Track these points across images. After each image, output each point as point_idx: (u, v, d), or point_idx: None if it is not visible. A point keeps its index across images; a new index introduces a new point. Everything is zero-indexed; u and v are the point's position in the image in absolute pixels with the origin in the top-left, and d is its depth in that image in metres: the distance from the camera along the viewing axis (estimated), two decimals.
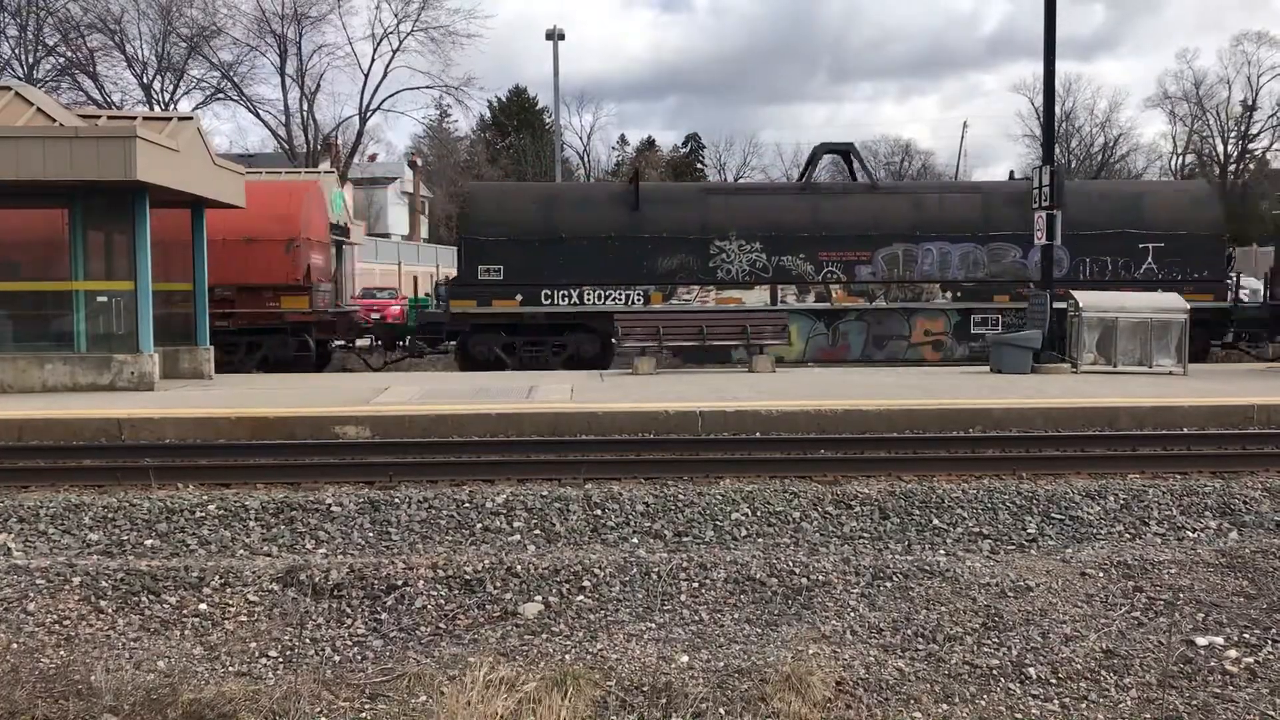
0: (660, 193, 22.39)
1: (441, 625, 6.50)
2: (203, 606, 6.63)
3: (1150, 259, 20.18)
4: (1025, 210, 20.10)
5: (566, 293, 19.76)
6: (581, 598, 6.75)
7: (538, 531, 8.01)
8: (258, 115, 47.12)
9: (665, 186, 25.62)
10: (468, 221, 20.37)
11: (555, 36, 38.04)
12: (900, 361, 20.03)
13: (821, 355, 20.24)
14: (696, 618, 6.57)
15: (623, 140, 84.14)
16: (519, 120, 72.68)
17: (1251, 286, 24.24)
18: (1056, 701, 5.68)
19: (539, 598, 6.74)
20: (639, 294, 19.84)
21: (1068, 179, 21.36)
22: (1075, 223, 19.89)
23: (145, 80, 43.81)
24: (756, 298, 20.16)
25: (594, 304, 19.79)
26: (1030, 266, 19.90)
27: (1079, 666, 5.96)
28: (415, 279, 43.81)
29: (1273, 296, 21.33)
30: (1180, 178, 54.50)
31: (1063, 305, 17.11)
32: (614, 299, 19.80)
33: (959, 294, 20.32)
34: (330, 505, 8.30)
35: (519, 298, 19.65)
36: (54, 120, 14.39)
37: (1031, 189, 17.86)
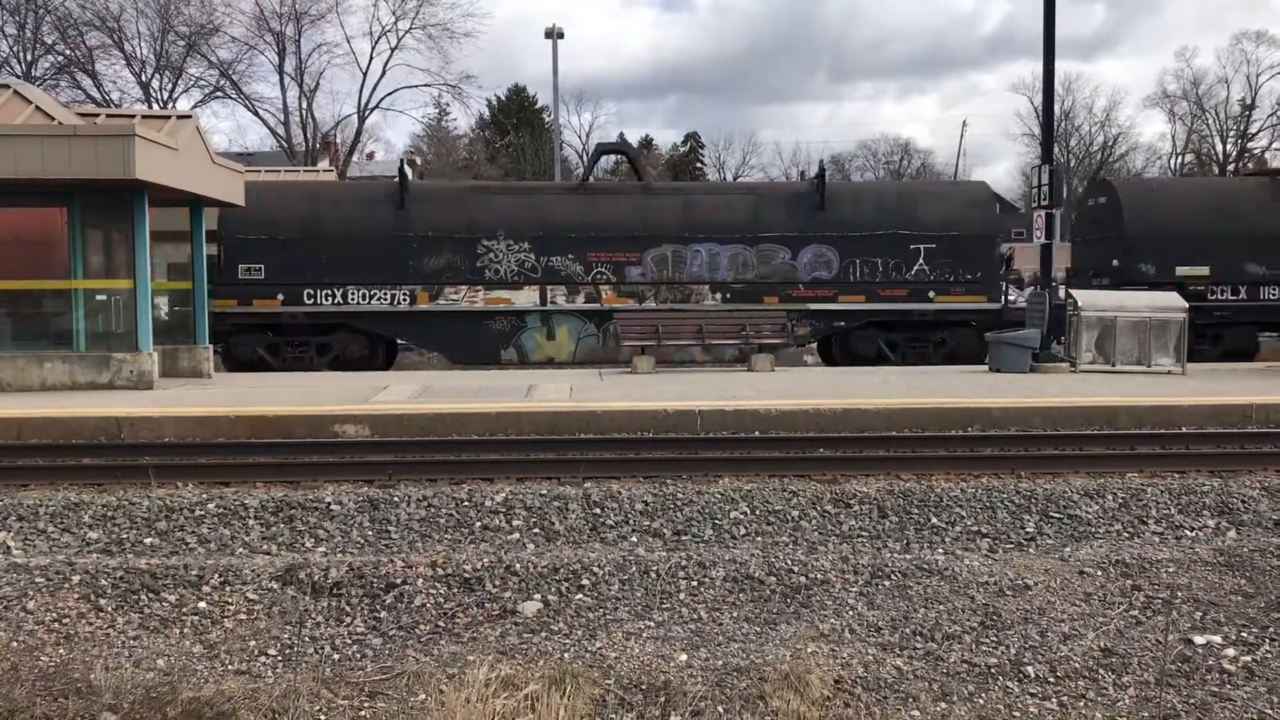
0: (426, 191, 22.04)
1: (441, 624, 6.50)
2: (202, 605, 6.64)
3: (922, 260, 20.00)
4: (795, 212, 20.20)
5: (330, 292, 19.37)
6: (581, 596, 6.75)
7: (537, 530, 8.02)
8: (256, 114, 47.18)
9: (432, 185, 25.10)
10: (226, 219, 19.47)
11: (554, 35, 38.03)
12: (669, 363, 19.74)
13: (592, 357, 20.06)
14: (695, 616, 6.58)
15: (622, 139, 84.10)
16: (518, 119, 72.61)
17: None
18: (1055, 700, 5.69)
19: (538, 596, 6.75)
20: (404, 294, 19.51)
21: (832, 181, 21.06)
22: (844, 224, 19.93)
23: (144, 78, 43.82)
24: (526, 298, 19.94)
25: (358, 304, 19.45)
26: (800, 268, 19.92)
27: (1077, 665, 5.97)
28: None
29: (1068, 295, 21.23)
30: (1180, 177, 54.47)
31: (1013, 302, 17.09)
32: (379, 299, 19.48)
33: (729, 295, 20.08)
34: (329, 504, 8.31)
35: (280, 297, 19.29)
36: (53, 119, 14.39)
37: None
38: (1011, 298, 21.21)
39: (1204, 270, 20.24)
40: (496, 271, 19.91)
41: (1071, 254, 24.22)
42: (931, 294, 19.95)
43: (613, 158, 47.23)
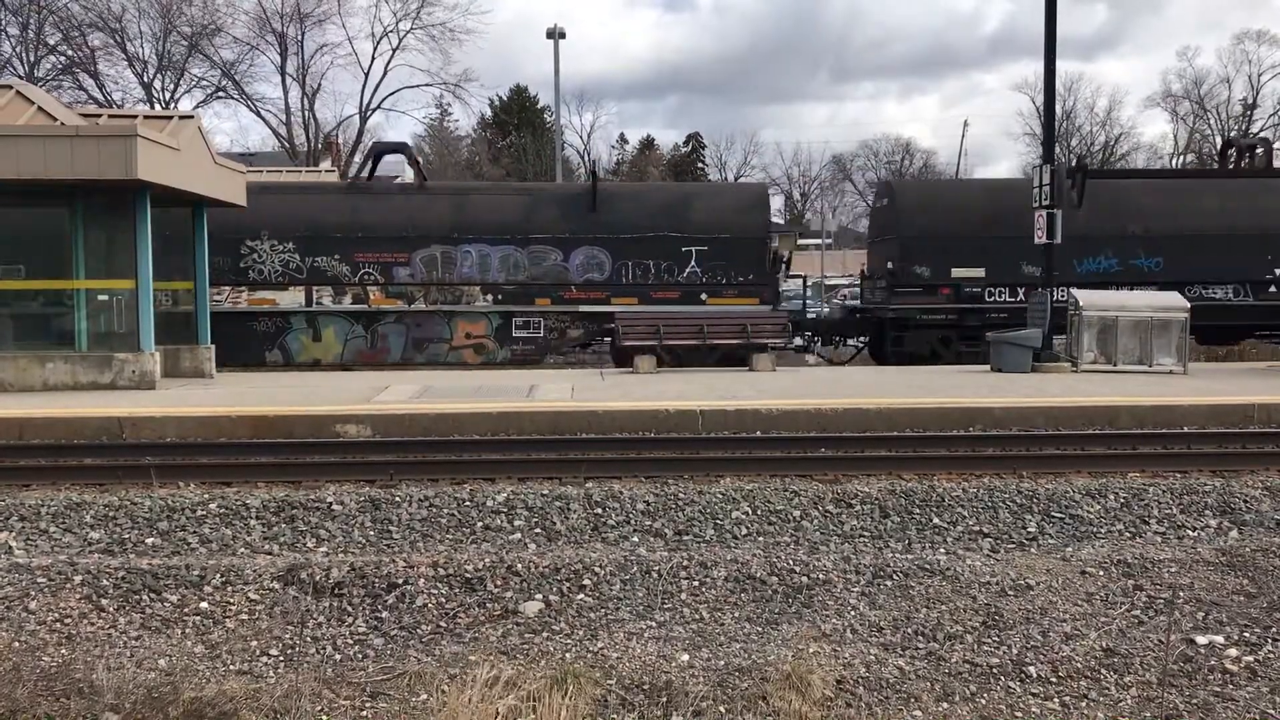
0: None
1: (442, 624, 6.50)
2: (204, 605, 6.64)
3: (694, 262, 19.99)
4: (568, 213, 20.11)
5: None
6: (582, 596, 6.75)
7: (538, 530, 8.02)
8: (259, 114, 47.22)
9: None
10: None
11: (556, 35, 38.04)
12: (442, 365, 19.83)
13: (361, 358, 20.01)
14: (697, 616, 6.57)
15: (622, 139, 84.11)
16: (520, 119, 72.62)
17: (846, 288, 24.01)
18: (1057, 700, 5.68)
19: (540, 596, 6.74)
20: (165, 295, 19.03)
21: (605, 182, 20.99)
22: (617, 225, 19.90)
23: (146, 79, 43.86)
24: (291, 299, 19.88)
25: None
26: (572, 270, 19.87)
27: (1079, 665, 5.96)
28: None
29: (863, 299, 21.13)
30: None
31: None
32: None
33: (499, 297, 20.07)
34: (331, 504, 8.31)
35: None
36: (55, 119, 14.40)
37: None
38: (790, 301, 21.24)
39: (979, 272, 20.15)
40: (260, 272, 19.85)
41: (867, 257, 24.18)
42: (704, 296, 19.92)
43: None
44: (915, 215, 20.89)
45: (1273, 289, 20.49)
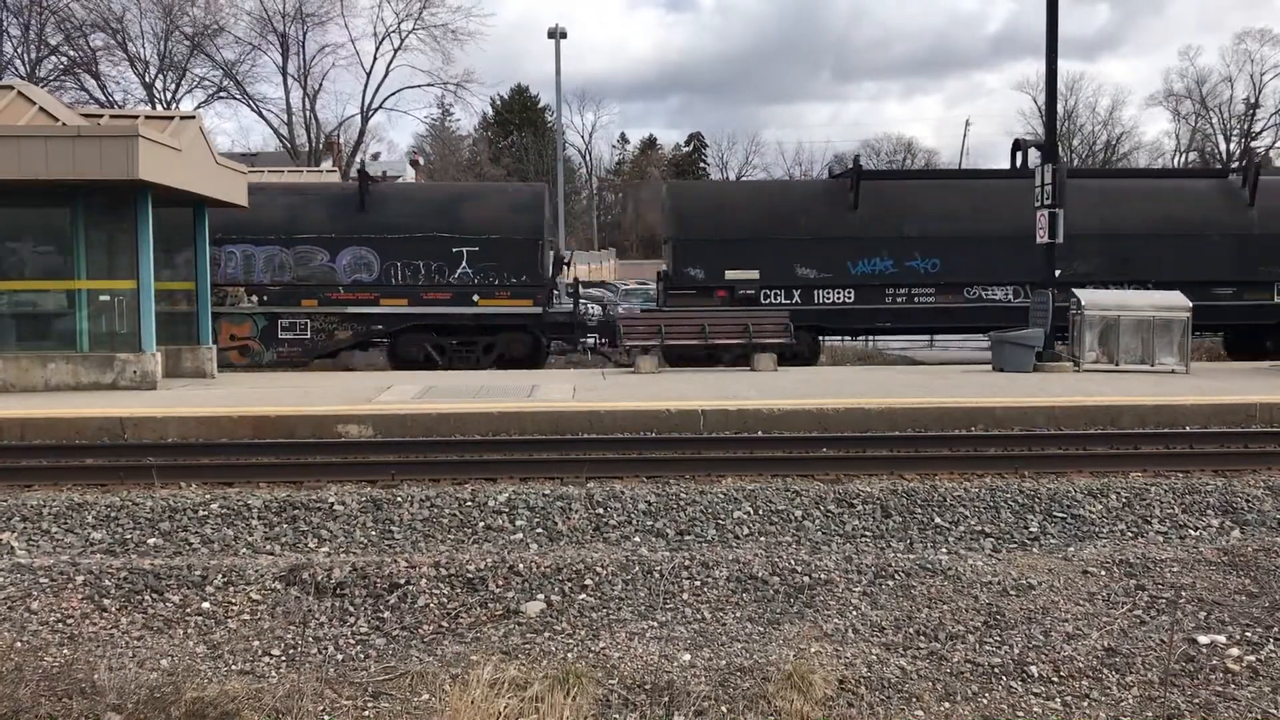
0: None
1: (444, 624, 6.50)
2: (206, 605, 6.64)
3: (465, 263, 19.71)
4: (335, 213, 19.79)
5: None
6: (584, 596, 6.75)
7: (540, 530, 8.02)
8: (260, 114, 47.22)
9: None
10: None
11: (557, 35, 38.04)
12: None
13: None
14: (699, 616, 6.57)
15: (624, 139, 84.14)
16: (521, 119, 72.68)
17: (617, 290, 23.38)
18: (1059, 700, 5.68)
19: (541, 596, 6.74)
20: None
21: (375, 184, 20.62)
22: (385, 226, 19.64)
23: (148, 79, 43.88)
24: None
25: None
26: (339, 270, 19.64)
27: (1081, 665, 5.96)
28: None
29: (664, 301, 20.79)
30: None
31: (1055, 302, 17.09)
32: None
33: (265, 298, 19.72)
34: (333, 504, 8.32)
35: None
36: (57, 119, 14.40)
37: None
38: (573, 303, 20.85)
39: (754, 274, 19.92)
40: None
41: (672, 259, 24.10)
42: (476, 297, 19.68)
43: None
44: (691, 218, 20.69)
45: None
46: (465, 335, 19.73)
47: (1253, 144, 56.66)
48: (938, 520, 8.25)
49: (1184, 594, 6.79)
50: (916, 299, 20.19)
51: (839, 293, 20.05)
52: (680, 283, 20.07)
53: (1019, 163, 20.17)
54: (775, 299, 20.06)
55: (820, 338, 20.90)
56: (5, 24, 40.46)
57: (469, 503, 8.35)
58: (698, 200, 22.33)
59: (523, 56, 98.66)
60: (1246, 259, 20.01)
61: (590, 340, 21.87)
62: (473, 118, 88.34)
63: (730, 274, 19.94)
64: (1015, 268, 19.74)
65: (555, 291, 20.92)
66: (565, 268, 21.61)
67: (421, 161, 64.58)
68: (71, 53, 41.98)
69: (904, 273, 20.12)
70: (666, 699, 5.56)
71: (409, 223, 19.82)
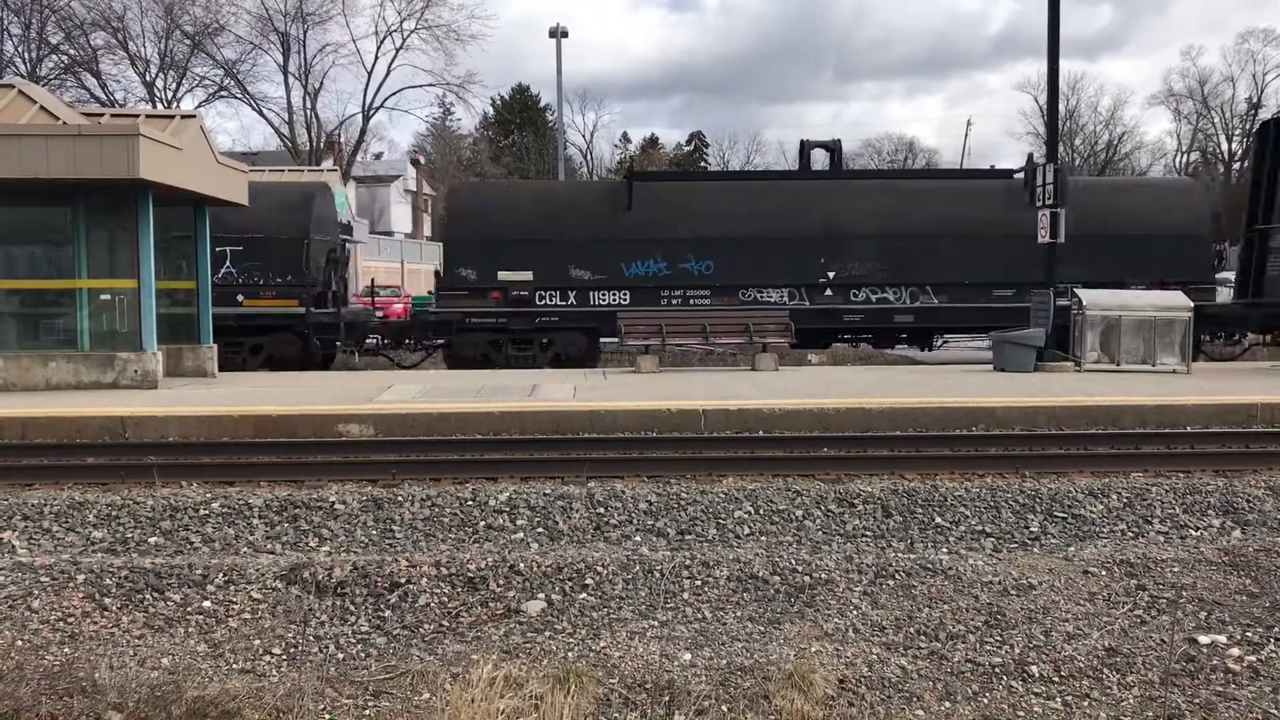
0: None
1: (445, 623, 6.50)
2: (206, 604, 6.64)
3: (229, 263, 19.48)
4: None
5: None
6: (584, 596, 6.75)
7: (541, 529, 8.02)
8: (261, 113, 47.28)
9: None
10: None
11: (559, 34, 38.03)
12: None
13: None
14: (699, 615, 6.57)
15: (625, 138, 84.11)
16: (522, 118, 72.68)
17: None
18: (1059, 699, 5.68)
19: (542, 596, 6.74)
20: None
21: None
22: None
23: (148, 78, 43.94)
24: None
25: None
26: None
27: (1081, 664, 5.96)
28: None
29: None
30: (1185, 175, 54.24)
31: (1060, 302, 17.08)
32: None
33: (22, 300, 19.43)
34: (334, 503, 8.32)
35: None
36: (57, 118, 14.41)
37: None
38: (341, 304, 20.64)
39: (528, 275, 19.84)
40: None
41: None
42: (240, 298, 19.48)
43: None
44: (463, 217, 20.57)
45: (828, 291, 19.99)
46: (230, 336, 19.18)
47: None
48: (938, 520, 8.25)
49: (1185, 594, 6.79)
50: (692, 301, 20.07)
51: (614, 294, 19.91)
52: (452, 283, 19.94)
53: (807, 163, 20.07)
54: (550, 300, 20.00)
55: (601, 340, 20.60)
56: (6, 23, 40.52)
57: (470, 502, 8.35)
58: (472, 200, 22.12)
59: (524, 56, 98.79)
60: (1027, 260, 19.02)
61: (371, 342, 21.60)
62: (474, 117, 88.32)
63: (503, 275, 19.84)
64: (789, 270, 19.75)
65: (334, 292, 20.52)
66: (338, 267, 21.15)
67: (422, 160, 64.61)
68: (72, 52, 42.05)
69: (678, 274, 20.02)
70: (667, 698, 5.56)
71: (168, 223, 19.48)
